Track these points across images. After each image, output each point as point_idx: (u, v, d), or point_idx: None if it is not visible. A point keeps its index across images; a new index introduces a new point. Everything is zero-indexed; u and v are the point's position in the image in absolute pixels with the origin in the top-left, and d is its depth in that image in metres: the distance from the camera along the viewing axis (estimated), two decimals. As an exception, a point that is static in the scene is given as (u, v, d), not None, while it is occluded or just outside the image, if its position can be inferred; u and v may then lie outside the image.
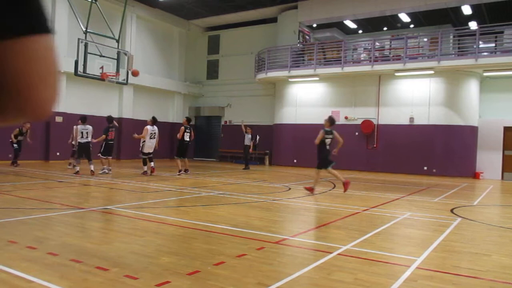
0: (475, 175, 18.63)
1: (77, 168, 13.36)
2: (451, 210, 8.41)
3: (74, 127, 13.93)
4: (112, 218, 6.47)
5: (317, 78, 21.38)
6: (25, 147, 16.38)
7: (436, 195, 11.10)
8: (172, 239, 5.24)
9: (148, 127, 13.86)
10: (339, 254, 4.69)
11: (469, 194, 12.40)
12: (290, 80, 22.27)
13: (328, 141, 10.35)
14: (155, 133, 13.99)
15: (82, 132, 13.33)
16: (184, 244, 4.98)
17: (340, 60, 20.49)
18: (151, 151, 13.99)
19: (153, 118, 14.23)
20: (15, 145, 15.73)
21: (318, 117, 21.66)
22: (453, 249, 5.21)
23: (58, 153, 18.98)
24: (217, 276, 3.76)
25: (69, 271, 3.77)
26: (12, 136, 15.72)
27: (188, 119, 15.23)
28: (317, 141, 10.25)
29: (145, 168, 14.09)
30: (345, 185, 10.29)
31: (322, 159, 10.35)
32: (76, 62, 13.25)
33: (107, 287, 3.39)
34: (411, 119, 19.43)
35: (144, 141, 13.86)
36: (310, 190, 10.39)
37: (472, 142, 19.16)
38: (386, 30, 25.10)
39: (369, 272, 4.06)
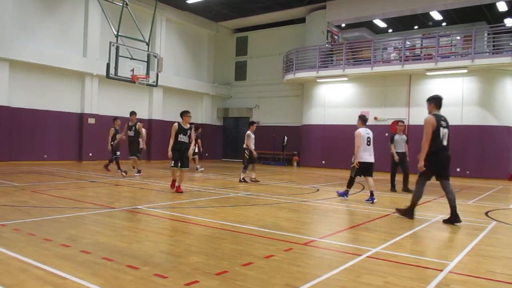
0: (511, 177, 17.99)
1: (253, 175, 13.34)
2: (486, 213, 8.15)
3: (248, 133, 13.12)
4: (142, 217, 6.59)
5: (346, 79, 21.16)
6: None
7: (470, 198, 10.78)
8: (201, 239, 5.29)
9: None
10: (368, 256, 4.62)
11: (504, 196, 12.00)
12: (318, 80, 22.12)
13: (182, 137, 11.20)
14: None
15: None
16: (212, 244, 5.01)
17: (370, 60, 20.22)
18: None
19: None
20: (118, 153, 14.09)
21: (347, 117, 21.42)
22: (488, 253, 5.04)
23: (90, 154, 19.48)
24: (245, 277, 3.77)
25: (101, 269, 3.86)
26: (110, 138, 14.09)
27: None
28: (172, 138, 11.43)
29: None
30: (174, 183, 10.33)
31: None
32: (108, 65, 13.58)
33: (137, 285, 3.46)
34: (443, 119, 18.94)
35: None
36: (175, 187, 10.06)
37: (508, 143, 18.52)
38: (417, 28, 24.61)
39: (400, 275, 3.98)
